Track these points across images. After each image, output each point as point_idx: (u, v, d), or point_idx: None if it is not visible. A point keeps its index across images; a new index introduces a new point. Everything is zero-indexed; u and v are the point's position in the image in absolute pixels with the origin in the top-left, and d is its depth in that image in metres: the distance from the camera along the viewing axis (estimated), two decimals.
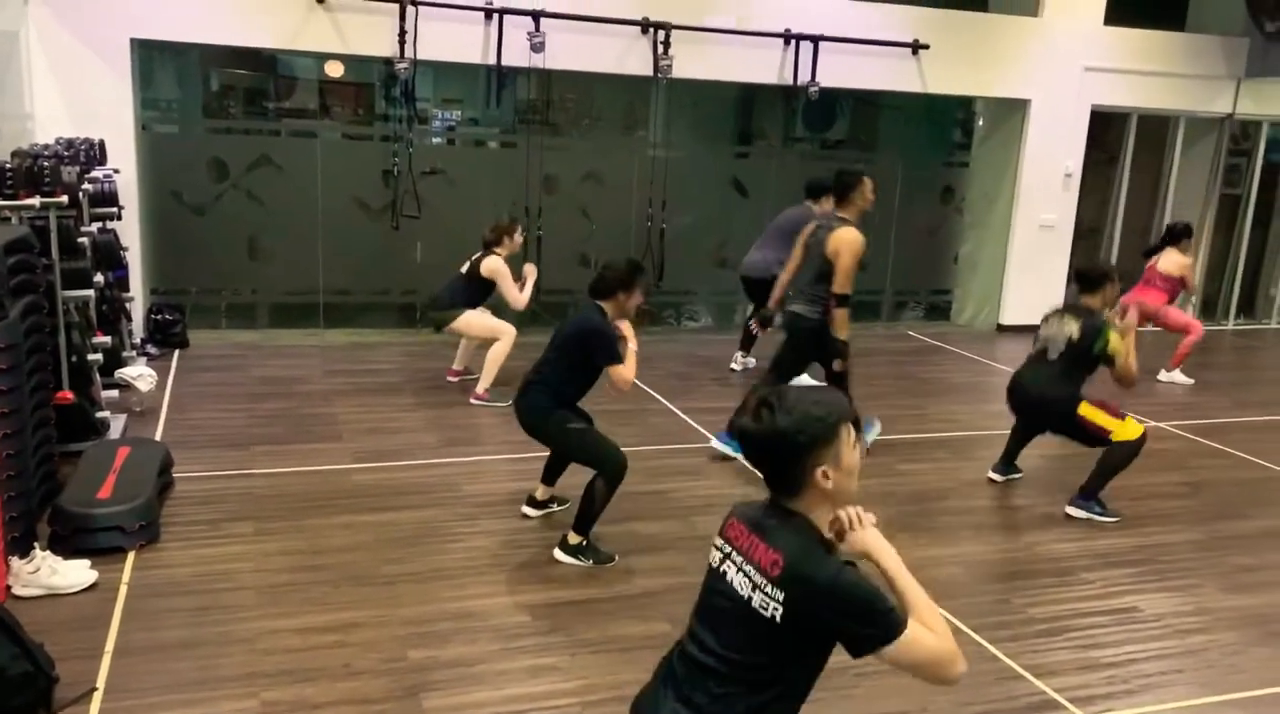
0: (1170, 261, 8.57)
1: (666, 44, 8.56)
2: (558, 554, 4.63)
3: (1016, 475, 5.99)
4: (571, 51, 8.43)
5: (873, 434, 6.39)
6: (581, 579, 4.47)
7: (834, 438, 2.09)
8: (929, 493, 5.75)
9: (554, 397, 4.71)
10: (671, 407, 7.09)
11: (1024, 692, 3.77)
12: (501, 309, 7.34)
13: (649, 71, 8.65)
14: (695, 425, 6.69)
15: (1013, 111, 10.09)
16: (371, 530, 4.84)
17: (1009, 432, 5.95)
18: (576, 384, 4.77)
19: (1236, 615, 4.46)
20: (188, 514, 4.87)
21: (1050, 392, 5.54)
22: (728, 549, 2.19)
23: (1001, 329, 10.21)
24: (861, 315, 10.90)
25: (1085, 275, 5.68)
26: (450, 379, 7.37)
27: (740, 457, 6.88)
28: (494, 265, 7.01)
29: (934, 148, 11.54)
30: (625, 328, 4.79)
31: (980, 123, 10.73)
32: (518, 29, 8.24)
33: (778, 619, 2.04)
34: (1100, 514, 5.49)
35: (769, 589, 2.05)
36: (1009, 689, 3.78)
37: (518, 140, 9.35)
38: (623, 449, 4.65)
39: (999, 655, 4.00)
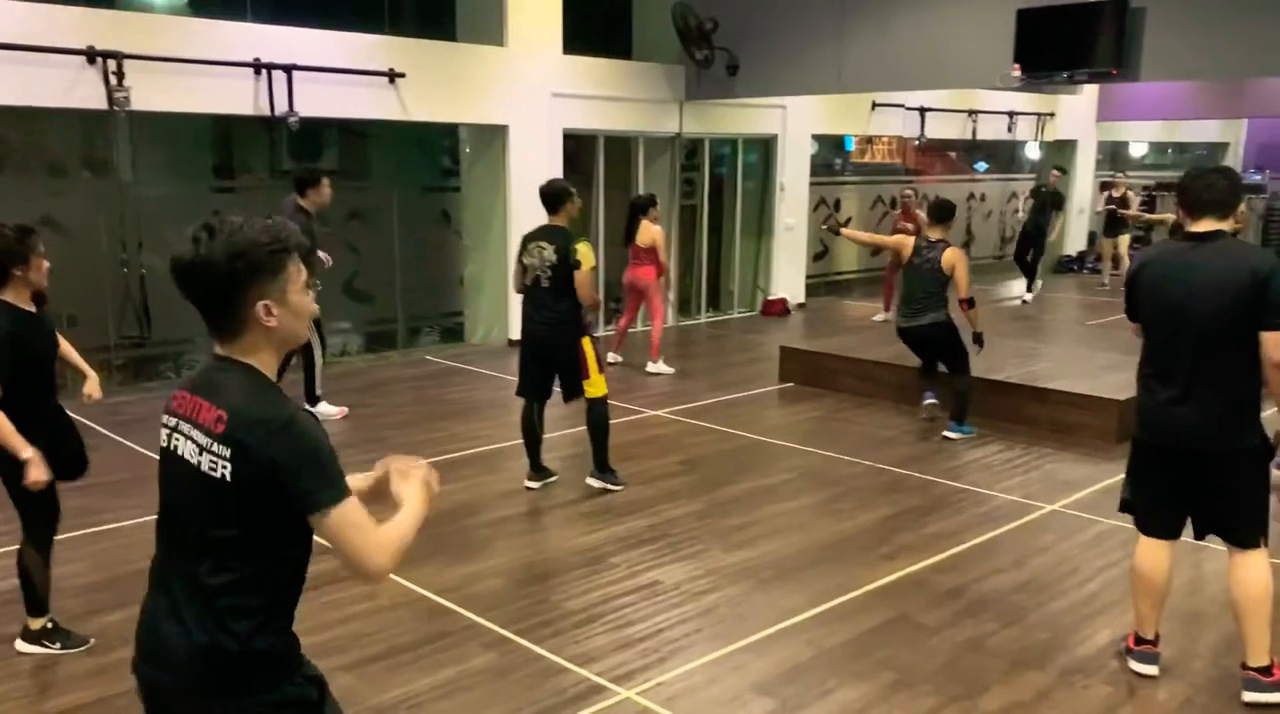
0: (645, 234, 9.40)
1: (120, 74, 7.79)
2: (20, 645, 4.11)
3: (552, 479, 6.28)
4: (1, 83, 7.37)
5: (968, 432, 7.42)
6: (87, 676, 3.91)
7: (279, 269, 2.00)
8: (462, 511, 5.81)
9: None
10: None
11: (571, 683, 3.94)
12: None
13: (103, 105, 7.82)
14: None
15: (494, 137, 10.55)
16: None
17: (524, 441, 6.21)
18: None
19: (737, 570, 5.04)
20: None
21: (555, 320, 5.88)
22: (174, 422, 2.07)
23: (512, 344, 10.65)
24: (376, 345, 10.82)
25: (546, 195, 6.11)
26: None
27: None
28: None
29: (426, 173, 11.74)
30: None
31: (467, 148, 11.11)
32: None
33: (227, 477, 1.94)
34: (612, 482, 6.12)
35: (215, 447, 1.95)
36: (557, 683, 3.93)
37: None
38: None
39: (544, 654, 4.15)
